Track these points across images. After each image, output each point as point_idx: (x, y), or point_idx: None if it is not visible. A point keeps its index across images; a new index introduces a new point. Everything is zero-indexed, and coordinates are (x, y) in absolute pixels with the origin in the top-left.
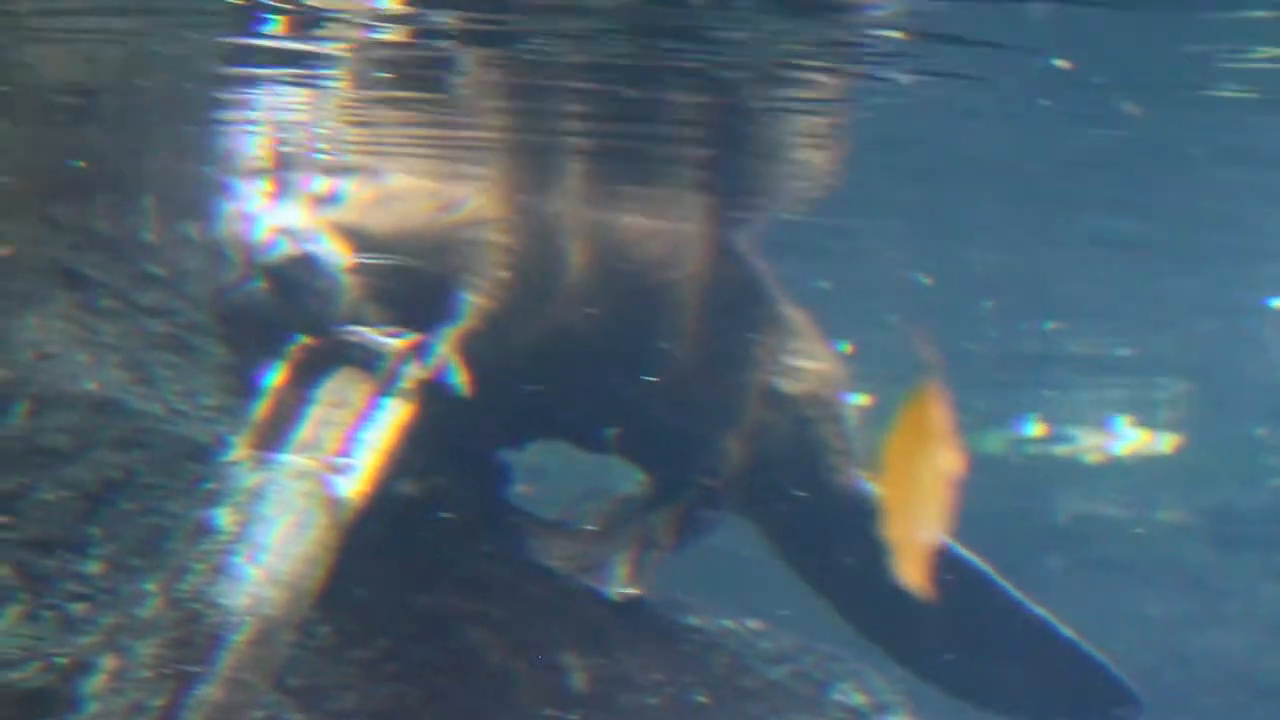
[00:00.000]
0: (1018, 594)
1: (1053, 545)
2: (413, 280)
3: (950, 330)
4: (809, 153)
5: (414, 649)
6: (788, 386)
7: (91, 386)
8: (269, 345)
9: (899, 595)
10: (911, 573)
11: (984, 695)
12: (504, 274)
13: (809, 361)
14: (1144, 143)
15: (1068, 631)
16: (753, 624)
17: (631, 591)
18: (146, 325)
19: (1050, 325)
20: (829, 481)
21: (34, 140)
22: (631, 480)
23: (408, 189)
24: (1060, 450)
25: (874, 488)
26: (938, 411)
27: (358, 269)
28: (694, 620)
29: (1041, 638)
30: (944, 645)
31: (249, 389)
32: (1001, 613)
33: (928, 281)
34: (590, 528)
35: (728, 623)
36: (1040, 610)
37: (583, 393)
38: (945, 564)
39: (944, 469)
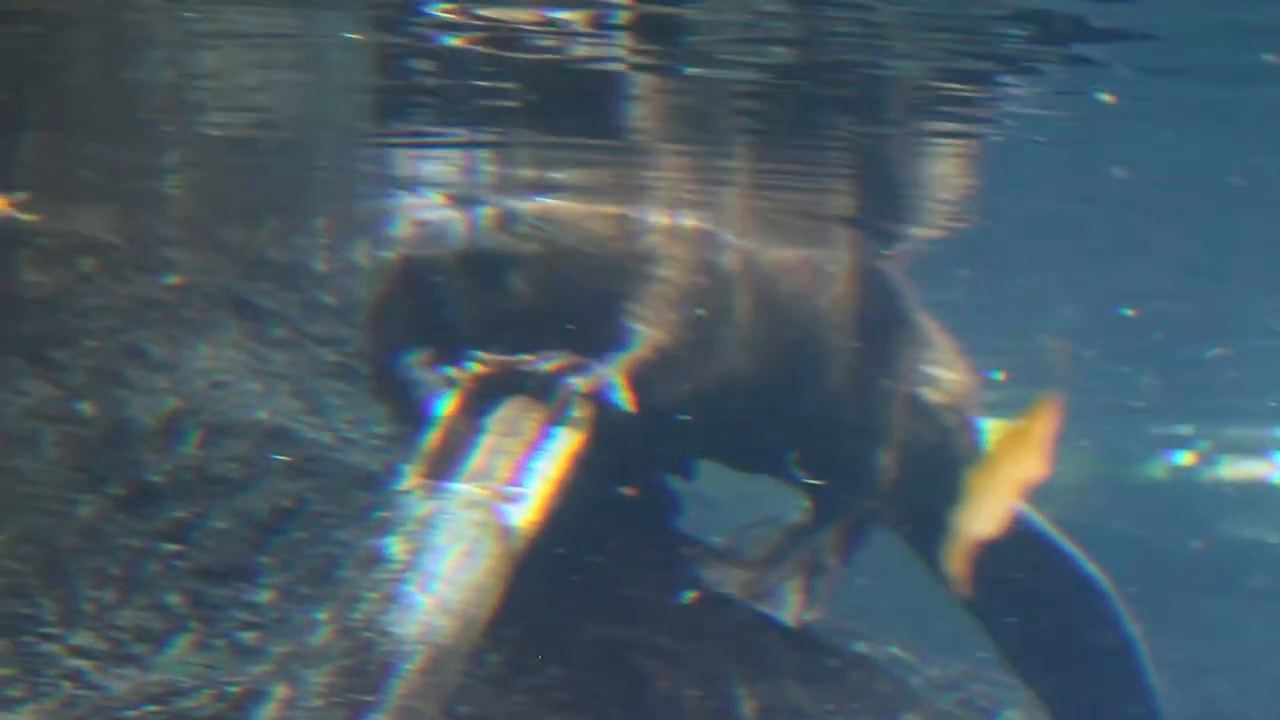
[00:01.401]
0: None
1: (1213, 572)
2: (586, 297)
3: (1117, 357)
4: (945, 168)
5: (584, 677)
6: (930, 396)
7: (263, 415)
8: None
9: (1020, 602)
10: (957, 562)
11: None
12: (677, 311)
13: (947, 372)
14: None
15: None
16: (919, 651)
17: (805, 617)
18: (317, 354)
19: (1212, 353)
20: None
21: (203, 166)
22: (796, 508)
23: (589, 209)
24: (1222, 477)
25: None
26: (1043, 423)
27: (532, 280)
28: (861, 647)
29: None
30: (1056, 659)
31: (418, 418)
32: (1111, 640)
33: (1130, 314)
34: (759, 554)
35: (895, 649)
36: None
37: (745, 418)
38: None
39: (1025, 475)
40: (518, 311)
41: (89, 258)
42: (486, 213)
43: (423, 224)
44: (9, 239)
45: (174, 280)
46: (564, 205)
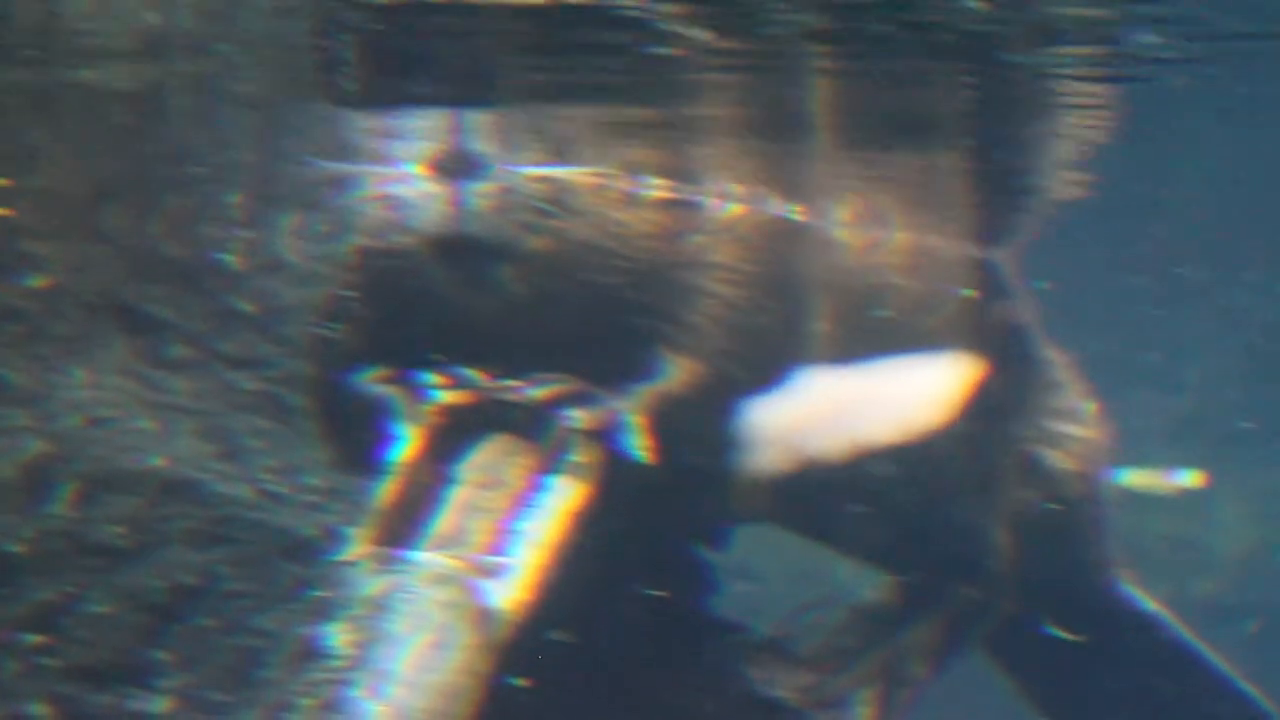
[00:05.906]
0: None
1: None
2: (602, 309)
3: None
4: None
5: None
6: (1051, 459)
7: (159, 463)
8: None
9: None
10: None
11: None
12: (723, 337)
13: (1073, 426)
14: None
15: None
16: None
17: None
18: (231, 380)
19: None
20: (1086, 584)
21: (85, 138)
22: (870, 585)
23: (622, 192)
24: None
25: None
26: None
27: (531, 281)
28: None
29: None
30: None
31: (368, 464)
32: None
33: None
34: (820, 649)
35: None
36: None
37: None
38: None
39: None
40: (508, 322)
41: None
42: (480, 189)
43: (392, 202)
44: None
45: (39, 283)
46: (590, 182)
